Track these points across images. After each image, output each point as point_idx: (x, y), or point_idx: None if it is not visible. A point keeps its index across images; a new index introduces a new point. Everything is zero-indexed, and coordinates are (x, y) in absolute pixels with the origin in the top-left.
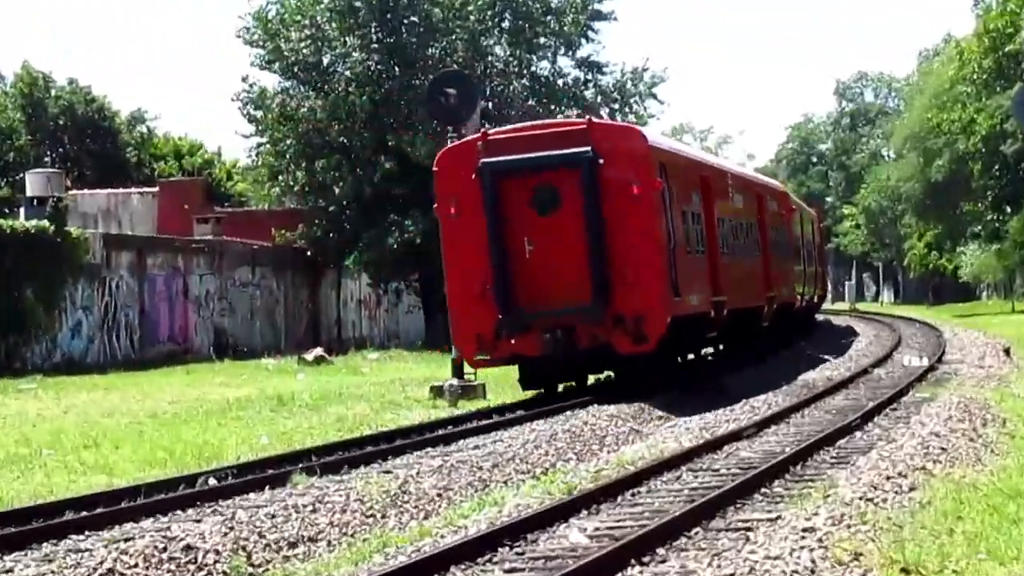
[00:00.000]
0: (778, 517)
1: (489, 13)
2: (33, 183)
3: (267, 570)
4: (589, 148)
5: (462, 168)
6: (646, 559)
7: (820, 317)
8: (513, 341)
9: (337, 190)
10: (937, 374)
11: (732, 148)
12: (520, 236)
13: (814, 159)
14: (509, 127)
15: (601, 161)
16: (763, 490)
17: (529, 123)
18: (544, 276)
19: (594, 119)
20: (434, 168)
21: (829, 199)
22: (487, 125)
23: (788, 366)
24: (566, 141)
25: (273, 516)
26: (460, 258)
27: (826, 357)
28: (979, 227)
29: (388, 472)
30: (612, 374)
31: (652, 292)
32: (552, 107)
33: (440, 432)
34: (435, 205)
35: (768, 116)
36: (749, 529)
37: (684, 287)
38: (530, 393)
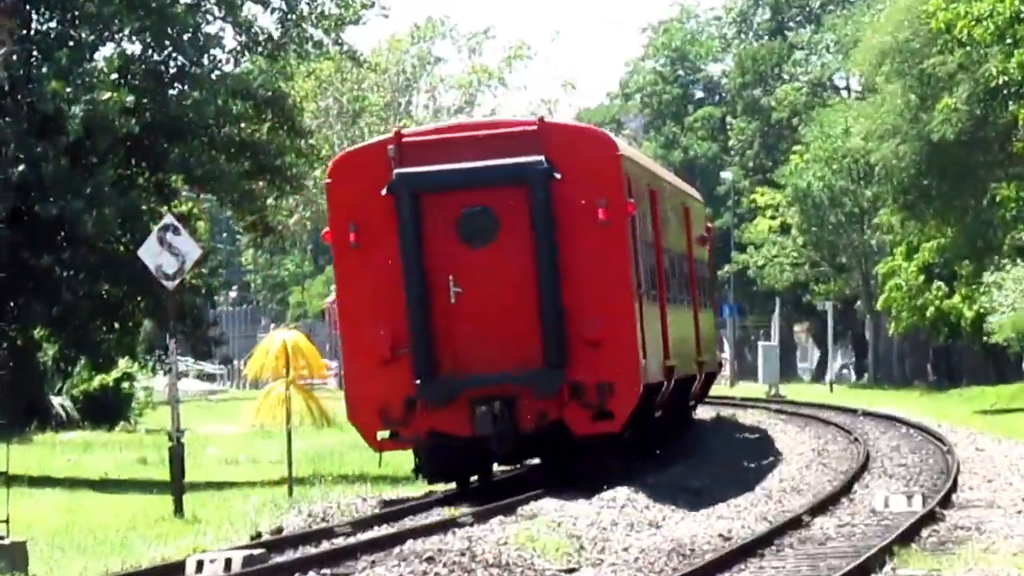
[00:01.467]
0: None
1: None
2: None
3: None
4: (541, 157)
5: (366, 180)
6: None
7: (703, 413)
8: (432, 416)
9: None
10: (942, 529)
11: (533, 68)
12: (443, 275)
13: (697, 94)
14: (430, 126)
15: (557, 175)
16: None
17: (458, 122)
18: (475, 329)
19: (547, 119)
20: (326, 179)
21: (726, 175)
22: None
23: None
24: (509, 147)
25: None
26: (361, 304)
27: (719, 492)
28: None
29: None
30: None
31: (622, 353)
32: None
33: None
34: (325, 230)
35: (608, 6)
36: None
37: (648, 347)
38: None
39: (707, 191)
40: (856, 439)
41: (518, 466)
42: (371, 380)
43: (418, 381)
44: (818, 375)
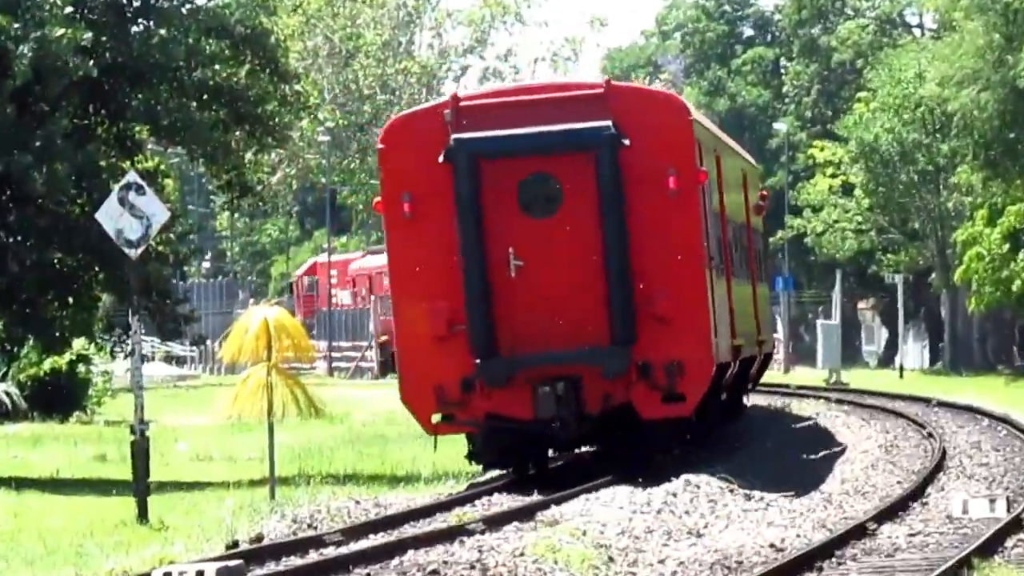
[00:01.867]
0: None
1: None
2: None
3: None
4: (609, 122)
5: (421, 146)
6: None
7: (754, 401)
8: (491, 397)
9: None
10: None
11: (555, 1)
12: (503, 247)
13: (746, 32)
14: (488, 89)
15: (626, 142)
16: None
17: (517, 85)
18: (537, 305)
19: (615, 81)
20: (379, 145)
21: (780, 126)
22: None
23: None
24: (573, 111)
25: None
26: (415, 278)
27: (770, 494)
28: None
29: None
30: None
31: (694, 330)
32: None
33: None
34: (377, 199)
35: None
36: None
37: (718, 324)
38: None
39: (757, 145)
40: (930, 434)
41: (548, 453)
42: (426, 359)
43: (477, 360)
44: (886, 359)
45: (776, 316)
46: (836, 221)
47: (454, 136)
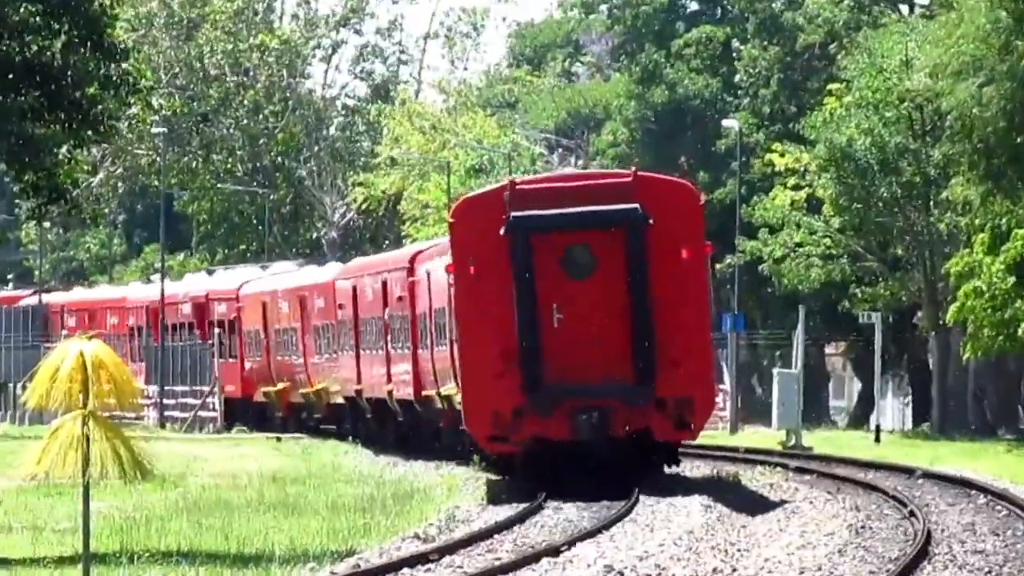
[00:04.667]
0: None
1: None
2: None
3: None
4: (637, 205)
5: (485, 221)
6: None
7: (691, 471)
8: (537, 423)
9: None
10: None
11: None
12: (549, 302)
13: (691, 6)
14: (538, 176)
15: (650, 221)
16: None
17: (562, 173)
18: (575, 348)
19: (640, 172)
20: (450, 219)
21: (730, 123)
22: None
23: None
24: (607, 195)
25: None
26: (478, 324)
27: None
28: None
29: None
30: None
31: (701, 373)
32: None
33: None
34: (448, 263)
35: None
36: None
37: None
38: None
39: (702, 148)
40: (912, 513)
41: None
42: (485, 389)
43: (526, 392)
44: (859, 418)
45: (722, 363)
46: (799, 245)
47: (512, 214)
